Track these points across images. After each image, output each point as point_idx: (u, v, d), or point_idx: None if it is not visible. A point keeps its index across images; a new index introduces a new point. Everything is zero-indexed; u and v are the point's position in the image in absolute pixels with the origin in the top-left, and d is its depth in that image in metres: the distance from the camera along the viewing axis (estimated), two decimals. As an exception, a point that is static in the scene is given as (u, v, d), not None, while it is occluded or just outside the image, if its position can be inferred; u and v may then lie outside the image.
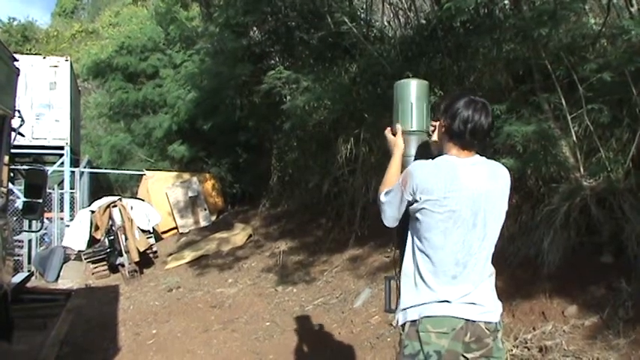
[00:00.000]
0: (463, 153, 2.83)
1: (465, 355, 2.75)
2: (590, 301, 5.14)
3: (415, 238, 2.83)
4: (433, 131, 3.01)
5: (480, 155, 2.88)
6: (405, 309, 2.82)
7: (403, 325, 2.82)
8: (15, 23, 33.92)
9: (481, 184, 2.76)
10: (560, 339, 4.90)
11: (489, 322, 2.77)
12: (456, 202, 2.71)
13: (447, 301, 2.71)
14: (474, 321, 2.73)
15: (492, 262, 2.84)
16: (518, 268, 5.73)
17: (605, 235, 5.50)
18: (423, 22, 8.46)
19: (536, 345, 4.96)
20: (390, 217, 2.91)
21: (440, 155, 2.86)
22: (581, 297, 5.22)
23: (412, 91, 3.21)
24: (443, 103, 2.95)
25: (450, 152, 2.84)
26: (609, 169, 5.37)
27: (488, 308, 2.78)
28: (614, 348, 4.56)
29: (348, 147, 9.25)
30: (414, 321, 2.75)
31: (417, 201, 2.74)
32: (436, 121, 2.97)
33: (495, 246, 2.83)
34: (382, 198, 2.92)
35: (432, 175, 2.75)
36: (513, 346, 5.02)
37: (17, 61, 5.56)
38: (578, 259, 5.53)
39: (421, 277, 2.77)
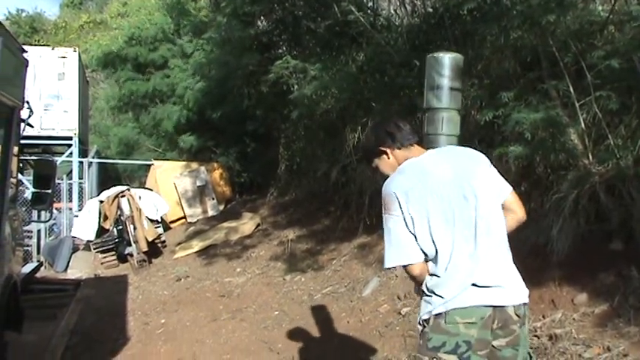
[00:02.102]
0: (417, 151, 2.94)
1: (492, 342, 2.73)
2: (600, 289, 5.12)
3: (421, 246, 2.77)
4: (376, 168, 3.06)
5: None
6: (429, 305, 2.78)
7: (427, 320, 2.78)
8: (23, 15, 33.91)
9: (449, 163, 2.84)
10: (570, 327, 4.89)
11: (517, 306, 2.75)
12: (439, 185, 2.75)
13: (475, 285, 2.68)
14: (502, 306, 2.71)
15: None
16: (527, 256, 5.70)
17: (614, 222, 5.48)
18: (430, 10, 8.41)
19: (545, 333, 4.95)
20: (396, 253, 2.82)
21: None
22: (591, 285, 5.20)
23: (446, 65, 3.27)
24: (367, 152, 3.11)
25: (407, 159, 2.92)
26: (618, 155, 5.33)
27: (514, 290, 2.78)
28: (625, 336, 4.54)
29: (356, 135, 9.22)
30: (440, 314, 2.71)
31: (410, 214, 2.73)
32: (376, 167, 3.05)
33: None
34: (389, 255, 2.83)
35: (403, 179, 2.82)
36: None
37: (26, 52, 5.56)
38: (587, 246, 5.51)
39: (444, 269, 2.73)
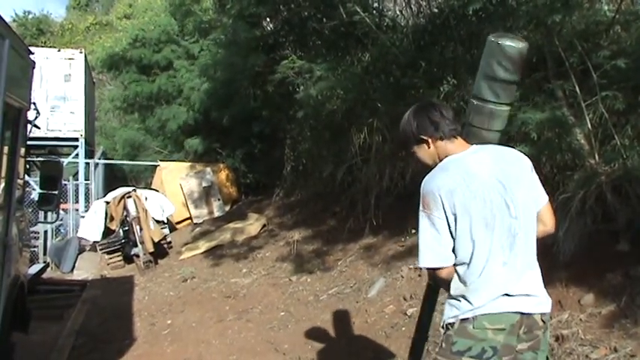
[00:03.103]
0: (459, 145, 2.84)
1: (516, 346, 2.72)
2: (607, 290, 5.10)
3: (456, 251, 2.72)
4: (413, 154, 2.97)
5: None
6: (455, 309, 2.74)
7: (452, 324, 2.73)
8: (30, 17, 34.14)
9: (490, 166, 2.75)
10: (576, 328, 4.87)
11: (544, 314, 2.76)
12: (482, 189, 2.68)
13: (506, 295, 2.66)
14: (530, 314, 2.69)
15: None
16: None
17: (621, 223, 5.46)
18: (436, 10, 8.40)
19: (552, 334, 4.92)
20: (434, 254, 2.73)
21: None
22: (598, 285, 5.19)
23: (508, 55, 2.98)
24: (405, 137, 2.95)
25: (449, 153, 2.83)
26: (625, 156, 5.32)
27: (542, 299, 2.76)
28: (632, 336, 4.53)
29: (362, 136, 9.21)
30: (467, 319, 2.68)
31: (454, 214, 2.66)
32: (413, 153, 2.96)
33: None
34: (425, 256, 2.75)
35: (446, 177, 2.72)
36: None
37: (32, 54, 5.57)
38: (594, 246, 5.49)
39: (477, 275, 2.68)
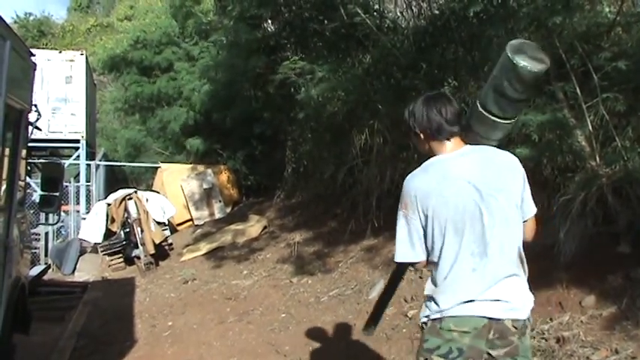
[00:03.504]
0: (451, 147, 2.83)
1: (489, 351, 2.72)
2: (608, 291, 5.10)
3: (430, 257, 2.82)
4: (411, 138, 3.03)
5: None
6: (427, 310, 2.82)
7: (426, 323, 2.82)
8: (31, 18, 34.17)
9: (475, 171, 2.75)
10: (577, 330, 4.87)
11: (516, 320, 2.74)
12: (456, 195, 2.71)
13: (471, 300, 2.69)
14: (500, 319, 2.70)
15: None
16: (534, 258, 5.63)
17: (622, 225, 5.46)
18: (437, 12, 8.40)
19: (553, 336, 4.93)
20: (406, 249, 2.86)
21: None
22: (599, 287, 5.18)
23: (523, 77, 2.74)
24: (407, 117, 2.96)
25: (438, 152, 2.85)
26: (626, 157, 5.32)
27: (515, 305, 2.74)
28: (633, 338, 4.53)
29: (363, 138, 9.22)
30: (437, 319, 2.75)
31: (426, 215, 2.75)
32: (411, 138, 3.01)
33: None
34: (400, 251, 2.90)
35: (423, 179, 2.79)
36: (530, 337, 4.99)
37: (34, 55, 5.59)
38: (595, 248, 5.49)
39: (441, 290, 2.76)
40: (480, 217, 2.70)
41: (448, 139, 2.83)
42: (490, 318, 2.69)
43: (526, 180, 2.87)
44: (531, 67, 2.75)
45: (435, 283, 2.81)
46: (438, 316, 2.74)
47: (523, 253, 2.84)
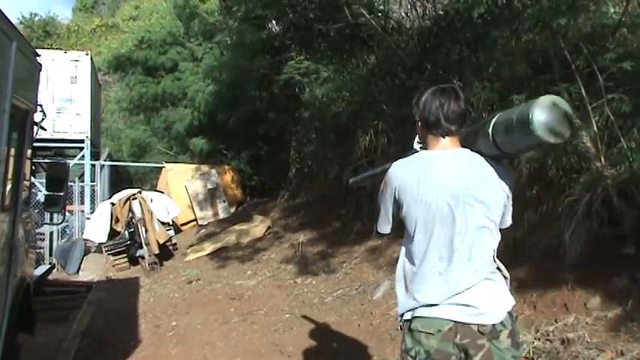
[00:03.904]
0: (445, 144, 2.81)
1: (466, 356, 2.71)
2: (613, 293, 5.08)
3: (404, 242, 2.87)
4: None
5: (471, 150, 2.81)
6: (401, 305, 2.86)
7: (401, 326, 2.88)
8: (37, 18, 34.29)
9: (459, 175, 2.72)
10: (582, 331, 4.85)
11: (483, 325, 2.69)
12: (431, 196, 2.71)
13: (435, 304, 2.71)
14: (466, 323, 2.68)
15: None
16: (539, 259, 5.68)
17: (627, 226, 5.44)
18: (441, 13, 8.40)
19: (558, 337, 4.92)
20: (381, 224, 3.03)
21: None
22: (604, 288, 5.16)
23: (533, 142, 2.52)
24: (414, 103, 2.96)
25: (431, 147, 2.84)
26: (631, 158, 5.30)
27: (483, 310, 2.69)
28: (639, 340, 4.51)
29: (367, 138, 9.21)
30: (408, 320, 2.80)
31: (399, 203, 2.81)
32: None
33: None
34: (381, 224, 3.06)
35: (406, 172, 2.80)
36: (535, 339, 4.99)
37: (39, 55, 5.60)
38: (600, 250, 5.47)
39: (410, 280, 2.81)
40: (451, 222, 2.70)
41: (444, 136, 2.80)
42: (455, 322, 2.69)
43: (510, 197, 2.84)
44: (546, 137, 2.49)
45: (405, 270, 2.86)
46: (409, 316, 2.80)
47: (498, 260, 2.82)
